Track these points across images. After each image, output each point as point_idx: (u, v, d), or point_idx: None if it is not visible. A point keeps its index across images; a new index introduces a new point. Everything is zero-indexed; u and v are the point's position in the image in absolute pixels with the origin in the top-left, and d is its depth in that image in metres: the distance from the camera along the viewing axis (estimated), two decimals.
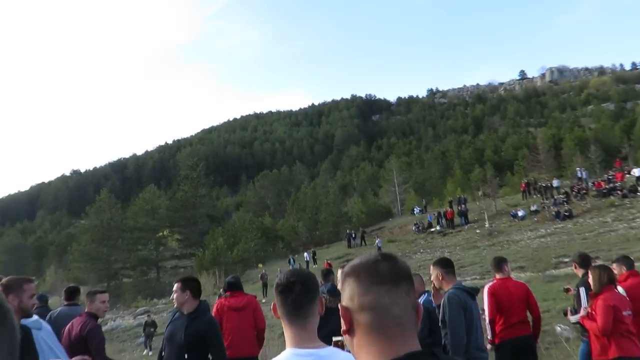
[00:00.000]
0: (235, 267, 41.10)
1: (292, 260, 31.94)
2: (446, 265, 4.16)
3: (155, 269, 52.93)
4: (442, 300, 3.94)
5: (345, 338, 1.11)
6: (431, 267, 4.23)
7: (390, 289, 1.05)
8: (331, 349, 1.60)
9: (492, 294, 4.87)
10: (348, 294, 1.10)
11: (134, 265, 49.93)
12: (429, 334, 4.18)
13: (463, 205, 36.10)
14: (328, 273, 5.65)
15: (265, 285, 25.46)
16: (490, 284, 5.02)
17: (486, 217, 31.25)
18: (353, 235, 39.75)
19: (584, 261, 5.14)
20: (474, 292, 4.06)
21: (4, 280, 2.89)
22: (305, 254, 33.97)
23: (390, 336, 1.03)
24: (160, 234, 55.19)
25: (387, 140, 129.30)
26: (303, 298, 1.60)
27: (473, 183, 53.74)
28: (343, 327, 1.10)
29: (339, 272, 4.06)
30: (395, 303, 1.04)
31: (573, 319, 4.80)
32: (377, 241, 32.44)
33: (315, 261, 33.66)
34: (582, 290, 4.83)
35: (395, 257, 1.12)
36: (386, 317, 1.04)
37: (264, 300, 22.75)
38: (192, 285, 3.83)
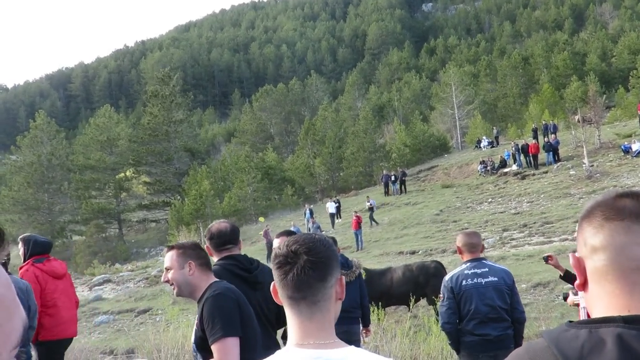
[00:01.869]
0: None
1: (308, 212, 32.30)
2: None
3: (116, 223, 54.32)
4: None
5: (581, 295, 1.23)
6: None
7: (630, 226, 1.13)
8: (347, 351, 1.59)
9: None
10: (580, 239, 1.22)
11: (86, 218, 51.22)
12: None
13: (552, 136, 35.67)
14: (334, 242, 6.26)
15: (269, 246, 25.97)
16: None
17: (585, 152, 30.95)
18: (393, 178, 39.92)
19: None
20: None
21: None
22: (329, 203, 34.03)
23: (629, 284, 1.12)
24: (122, 175, 56.16)
25: (443, 40, 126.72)
26: (310, 274, 1.59)
27: (568, 104, 52.80)
28: (577, 281, 1.22)
29: (276, 241, 4.40)
30: (637, 243, 1.12)
31: (574, 300, 5.26)
32: (369, 202, 31.96)
33: (339, 214, 34.05)
34: None
35: None
36: (623, 259, 1.13)
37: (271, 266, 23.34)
38: None
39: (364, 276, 6.97)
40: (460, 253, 5.14)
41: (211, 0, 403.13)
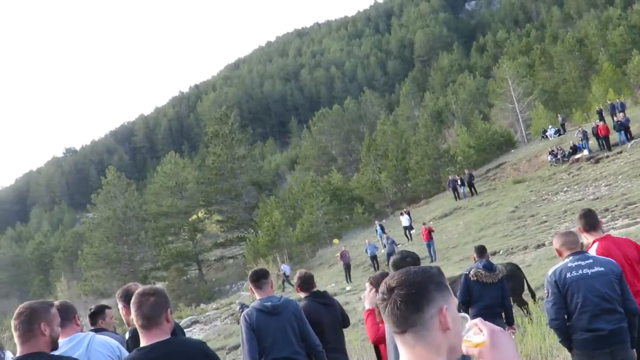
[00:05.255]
0: (302, 247, 42.27)
1: (379, 229, 32.16)
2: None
3: (195, 264, 55.36)
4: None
5: None
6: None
7: None
8: None
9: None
10: None
11: (166, 263, 52.42)
12: None
13: (621, 114, 34.52)
14: (483, 250, 7.94)
15: (348, 268, 25.96)
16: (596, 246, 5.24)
17: None
18: (459, 182, 39.36)
19: None
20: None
21: (28, 305, 3.28)
22: (403, 217, 33.45)
23: None
24: (195, 217, 57.34)
25: (492, 36, 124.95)
26: (402, 308, 1.64)
27: (632, 79, 51.10)
28: None
29: (367, 285, 4.85)
30: None
31: None
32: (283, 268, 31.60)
33: (411, 225, 33.60)
34: None
35: None
36: None
37: (348, 288, 23.27)
38: None
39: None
40: (560, 255, 5.02)
41: (256, 34, 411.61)
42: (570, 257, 4.83)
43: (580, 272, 4.71)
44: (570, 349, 4.96)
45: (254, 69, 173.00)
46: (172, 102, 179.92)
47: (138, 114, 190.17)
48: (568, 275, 4.75)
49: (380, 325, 4.46)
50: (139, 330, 3.12)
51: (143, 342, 3.07)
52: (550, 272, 4.97)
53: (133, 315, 3.09)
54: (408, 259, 3.78)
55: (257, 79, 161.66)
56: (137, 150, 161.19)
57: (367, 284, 4.75)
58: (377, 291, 4.44)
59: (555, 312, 4.81)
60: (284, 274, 30.22)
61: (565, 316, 4.85)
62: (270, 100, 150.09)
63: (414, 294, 1.63)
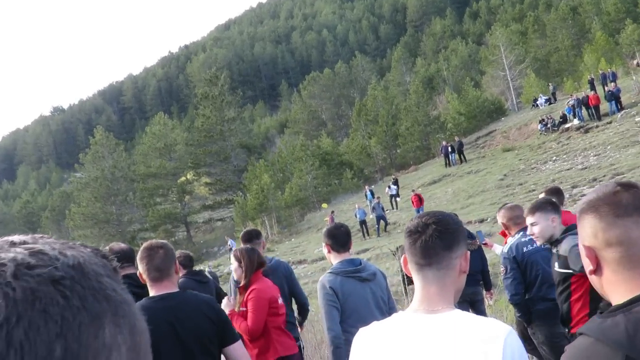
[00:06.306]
0: (290, 211, 42.33)
1: (369, 193, 32.24)
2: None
3: (183, 226, 55.41)
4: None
5: (591, 279, 1.43)
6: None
7: (638, 220, 1.33)
8: (449, 314, 1.73)
9: None
10: (589, 231, 1.40)
11: (154, 224, 52.44)
12: None
13: (612, 84, 34.51)
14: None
15: None
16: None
17: None
18: (451, 149, 39.41)
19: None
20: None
21: None
22: (389, 187, 33.44)
23: None
24: (183, 178, 57.21)
25: (485, 2, 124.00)
26: (437, 242, 1.77)
27: (624, 49, 50.96)
28: (589, 267, 1.40)
29: (232, 259, 4.50)
30: None
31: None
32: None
33: (398, 193, 33.54)
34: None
35: (637, 185, 1.39)
36: (637, 251, 1.32)
37: None
38: None
39: None
40: (507, 228, 5.23)
41: None
42: (521, 233, 4.98)
43: (534, 245, 4.82)
44: (529, 323, 5.07)
45: (245, 31, 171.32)
46: (162, 63, 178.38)
47: (127, 74, 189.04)
48: (525, 249, 4.93)
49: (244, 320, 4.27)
50: (150, 284, 3.09)
51: (153, 294, 3.08)
52: (505, 249, 5.13)
53: (143, 270, 3.07)
54: (342, 228, 4.01)
55: (248, 41, 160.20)
56: (126, 110, 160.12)
57: (233, 258, 4.46)
58: (240, 266, 4.35)
59: (515, 288, 4.97)
60: (230, 248, 30.48)
61: (524, 291, 5.00)
62: (261, 63, 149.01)
63: (449, 233, 1.79)
